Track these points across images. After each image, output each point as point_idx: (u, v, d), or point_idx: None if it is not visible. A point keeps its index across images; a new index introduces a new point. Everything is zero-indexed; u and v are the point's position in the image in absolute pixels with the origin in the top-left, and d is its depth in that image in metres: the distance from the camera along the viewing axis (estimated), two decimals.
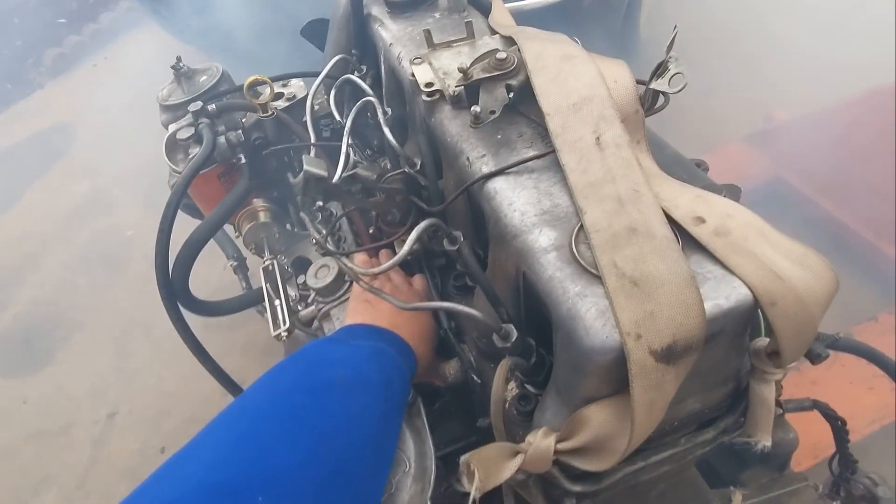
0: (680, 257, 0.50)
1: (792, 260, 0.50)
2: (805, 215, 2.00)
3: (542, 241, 0.56)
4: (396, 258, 0.65)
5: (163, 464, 0.48)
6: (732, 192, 0.71)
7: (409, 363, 0.70)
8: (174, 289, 0.95)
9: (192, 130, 1.07)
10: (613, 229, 0.53)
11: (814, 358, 0.62)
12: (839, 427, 0.68)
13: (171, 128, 1.11)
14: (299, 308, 1.04)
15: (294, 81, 1.26)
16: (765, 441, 0.58)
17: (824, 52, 2.49)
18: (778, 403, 0.73)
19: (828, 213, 1.95)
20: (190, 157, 1.06)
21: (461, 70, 0.70)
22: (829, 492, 0.75)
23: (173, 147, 1.09)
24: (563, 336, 0.52)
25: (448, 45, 0.83)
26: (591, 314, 0.49)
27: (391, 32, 0.94)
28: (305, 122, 0.98)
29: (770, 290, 0.48)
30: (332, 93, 1.03)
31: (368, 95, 0.91)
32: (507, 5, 0.94)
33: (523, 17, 0.93)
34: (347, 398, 0.54)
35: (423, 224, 0.67)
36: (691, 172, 0.74)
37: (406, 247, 0.66)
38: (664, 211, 0.54)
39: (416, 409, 0.69)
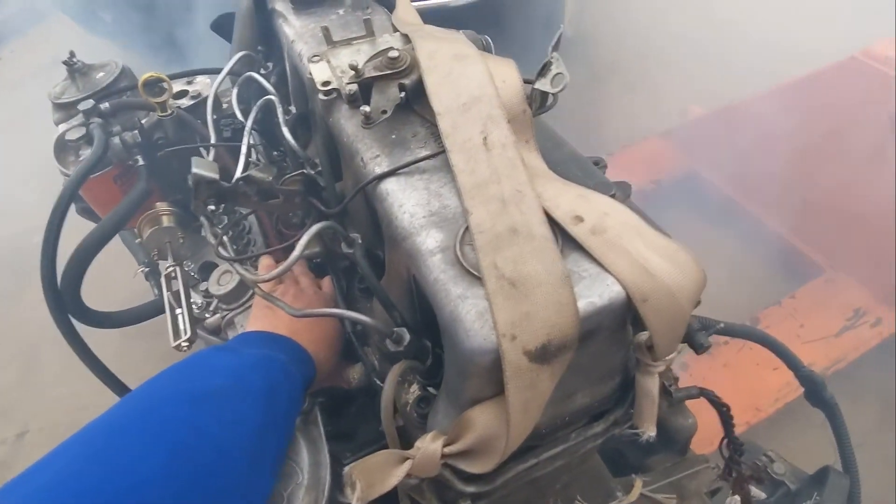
0: (556, 257, 0.50)
1: (663, 256, 0.51)
2: (717, 207, 2.10)
3: (429, 242, 0.56)
4: (286, 263, 0.63)
5: (13, 478, 0.46)
6: (623, 190, 0.72)
7: (304, 370, 0.68)
8: (63, 299, 0.89)
9: (83, 131, 1.00)
10: (496, 230, 0.53)
11: (697, 348, 0.65)
12: (724, 413, 0.71)
13: (61, 128, 1.04)
14: (206, 315, 1.00)
15: (200, 78, 1.21)
16: (650, 432, 0.60)
17: (735, 51, 2.62)
18: (668, 392, 0.76)
19: (739, 204, 2.05)
20: (80, 158, 0.99)
21: (353, 68, 0.69)
22: (723, 473, 0.79)
23: (63, 148, 1.02)
24: (448, 338, 0.52)
25: (348, 42, 0.81)
26: (470, 316, 0.49)
27: (294, 28, 0.92)
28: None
29: (641, 286, 0.50)
30: (235, 91, 0.99)
31: (270, 94, 0.88)
32: (421, 4, 0.93)
33: (440, 17, 0.91)
34: (221, 408, 0.52)
35: (315, 227, 0.66)
36: (586, 170, 0.75)
37: (297, 251, 0.64)
38: (546, 211, 0.54)
39: (313, 417, 0.68)
